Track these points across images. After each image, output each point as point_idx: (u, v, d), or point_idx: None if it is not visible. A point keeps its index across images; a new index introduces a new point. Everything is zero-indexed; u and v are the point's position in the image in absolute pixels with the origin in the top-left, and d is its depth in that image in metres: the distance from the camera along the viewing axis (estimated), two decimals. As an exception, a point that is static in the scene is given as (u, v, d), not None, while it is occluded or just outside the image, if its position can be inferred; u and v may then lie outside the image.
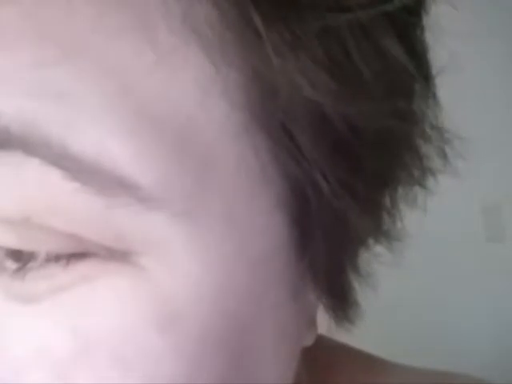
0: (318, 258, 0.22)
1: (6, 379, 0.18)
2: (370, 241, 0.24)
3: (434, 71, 0.23)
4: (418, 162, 0.23)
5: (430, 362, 0.34)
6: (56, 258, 0.19)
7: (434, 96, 0.24)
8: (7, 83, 0.18)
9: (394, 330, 1.60)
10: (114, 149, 0.18)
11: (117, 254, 0.19)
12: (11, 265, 0.19)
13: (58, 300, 0.19)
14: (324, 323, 0.26)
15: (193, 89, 0.19)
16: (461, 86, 1.68)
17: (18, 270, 0.19)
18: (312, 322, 0.24)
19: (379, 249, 0.25)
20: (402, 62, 0.20)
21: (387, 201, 0.24)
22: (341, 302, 0.24)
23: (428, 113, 0.23)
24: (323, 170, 0.20)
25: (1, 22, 0.18)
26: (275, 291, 0.21)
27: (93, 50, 0.19)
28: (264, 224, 0.21)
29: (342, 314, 0.24)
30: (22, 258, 0.19)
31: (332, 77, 0.19)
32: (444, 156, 0.24)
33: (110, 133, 0.18)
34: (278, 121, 0.20)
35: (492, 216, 1.67)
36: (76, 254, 0.19)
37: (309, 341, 0.24)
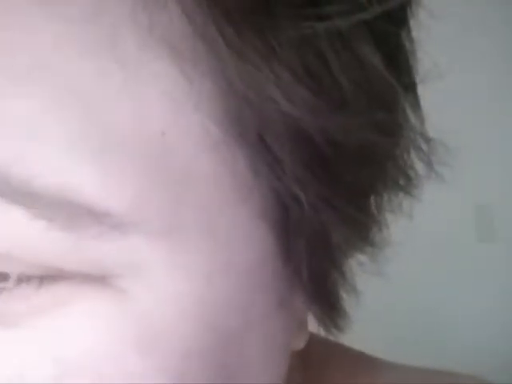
0: (302, 266, 0.21)
1: None
2: (355, 250, 0.23)
3: (419, 77, 0.23)
4: (402, 171, 0.23)
5: (420, 360, 0.35)
6: (28, 280, 0.18)
7: (417, 105, 0.23)
8: None
9: (383, 330, 1.60)
10: (78, 179, 0.18)
11: (93, 278, 0.18)
12: None
13: (35, 324, 0.18)
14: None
15: (164, 104, 0.18)
16: (454, 87, 1.68)
17: None
18: (302, 326, 0.24)
19: (363, 258, 0.25)
20: (382, 73, 0.20)
21: (371, 209, 0.23)
22: (328, 310, 0.23)
23: (411, 122, 0.22)
24: (302, 184, 0.20)
25: None
26: (262, 301, 0.21)
27: (53, 73, 0.18)
28: (247, 236, 0.20)
29: (330, 321, 0.24)
30: None
31: (309, 89, 0.19)
32: (429, 163, 0.23)
33: (72, 162, 0.17)
34: (255, 134, 0.19)
35: (483, 216, 1.67)
36: (48, 276, 0.18)
37: (300, 344, 0.24)
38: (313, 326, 0.28)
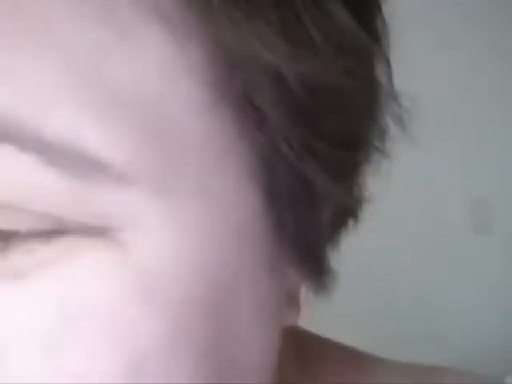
0: (289, 224, 0.22)
1: None
2: (339, 208, 0.24)
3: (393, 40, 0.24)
4: (376, 126, 0.24)
5: (417, 354, 0.35)
6: (36, 235, 0.19)
7: (388, 61, 0.24)
8: None
9: (378, 324, 1.61)
10: (85, 131, 0.19)
11: (96, 231, 0.20)
12: None
13: (42, 276, 0.19)
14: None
15: (156, 67, 0.20)
16: (452, 78, 1.67)
17: (0, 248, 0.19)
18: (293, 300, 0.24)
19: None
20: (347, 25, 0.22)
21: (352, 164, 0.24)
22: (316, 268, 0.24)
23: (383, 79, 0.24)
24: (286, 134, 0.21)
25: None
26: (252, 261, 0.22)
27: (57, 37, 0.19)
28: (236, 196, 0.21)
29: (319, 281, 0.24)
30: (2, 237, 0.19)
31: (285, 39, 0.20)
32: (401, 122, 0.24)
33: (79, 116, 0.19)
34: (241, 91, 0.21)
35: (480, 209, 1.67)
36: (56, 230, 0.19)
37: (291, 319, 0.25)
38: (306, 324, 0.28)
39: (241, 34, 0.20)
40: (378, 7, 0.24)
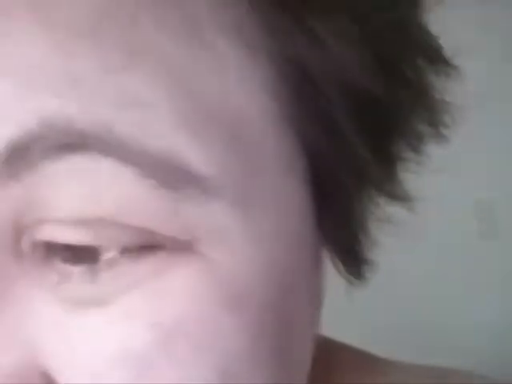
0: (332, 222, 0.24)
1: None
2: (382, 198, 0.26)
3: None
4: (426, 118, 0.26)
5: (421, 359, 0.34)
6: (127, 252, 0.20)
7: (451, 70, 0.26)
8: (78, 87, 0.19)
9: (385, 327, 1.61)
10: (181, 145, 0.20)
11: (184, 245, 0.20)
12: (76, 269, 0.19)
13: (131, 297, 0.20)
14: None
15: (237, 79, 0.21)
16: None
17: (85, 272, 0.19)
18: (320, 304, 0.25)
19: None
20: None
21: (396, 156, 0.25)
22: (354, 257, 0.26)
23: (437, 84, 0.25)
24: (355, 143, 0.23)
25: (61, 25, 0.19)
26: (307, 261, 0.23)
27: (156, 51, 0.20)
28: (296, 202, 0.23)
29: (356, 269, 0.26)
30: (88, 260, 0.20)
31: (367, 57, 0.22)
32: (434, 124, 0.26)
33: (176, 130, 0.20)
34: (311, 105, 0.22)
35: (484, 212, 1.67)
36: (145, 247, 0.20)
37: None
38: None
39: (322, 52, 0.21)
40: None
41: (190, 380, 0.20)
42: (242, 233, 0.21)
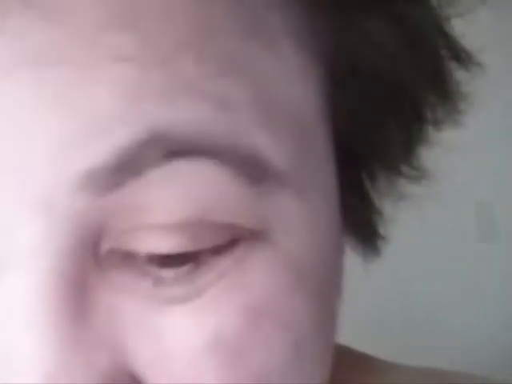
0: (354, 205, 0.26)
1: (181, 379, 0.20)
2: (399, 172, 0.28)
3: None
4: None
5: (421, 361, 0.34)
6: (218, 248, 0.20)
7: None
8: (183, 95, 0.20)
9: (384, 329, 1.60)
10: (263, 142, 0.21)
11: (258, 235, 0.21)
12: (169, 272, 0.20)
13: (217, 289, 0.20)
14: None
15: (298, 75, 0.22)
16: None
17: (178, 274, 0.20)
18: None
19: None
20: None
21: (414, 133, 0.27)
22: (372, 231, 0.28)
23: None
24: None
25: (164, 39, 0.20)
26: (339, 240, 0.25)
27: (240, 57, 0.21)
28: (334, 185, 0.24)
29: (372, 244, 0.28)
30: (182, 262, 0.20)
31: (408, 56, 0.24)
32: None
33: (259, 129, 0.21)
34: (349, 104, 0.24)
35: (484, 216, 1.67)
36: (231, 241, 0.21)
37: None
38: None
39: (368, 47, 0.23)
40: None
41: (271, 359, 0.21)
42: (303, 219, 0.22)
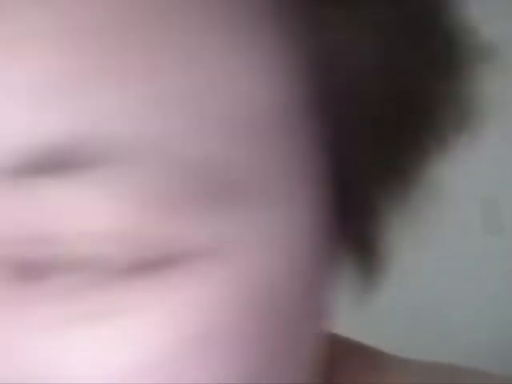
0: (351, 221, 0.23)
1: None
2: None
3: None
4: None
5: (427, 354, 0.34)
6: (149, 264, 0.19)
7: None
8: (90, 102, 0.18)
9: (388, 324, 1.60)
10: (216, 150, 0.19)
11: (211, 252, 0.19)
12: (84, 282, 0.19)
13: (153, 310, 0.19)
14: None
15: (264, 69, 0.20)
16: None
17: (97, 285, 0.19)
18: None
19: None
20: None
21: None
22: (371, 253, 0.25)
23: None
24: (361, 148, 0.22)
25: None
26: (322, 254, 0.23)
27: (203, 62, 0.19)
28: (314, 201, 0.22)
29: (372, 267, 0.25)
30: (103, 271, 0.19)
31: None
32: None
33: (210, 136, 0.19)
34: (331, 101, 0.21)
35: (490, 209, 1.67)
36: (168, 257, 0.19)
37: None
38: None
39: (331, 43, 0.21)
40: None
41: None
42: (263, 235, 0.20)
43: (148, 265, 0.19)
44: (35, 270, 0.19)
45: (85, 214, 0.18)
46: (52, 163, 0.18)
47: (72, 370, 0.18)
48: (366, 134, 0.22)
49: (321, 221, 0.22)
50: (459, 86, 0.24)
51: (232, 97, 0.19)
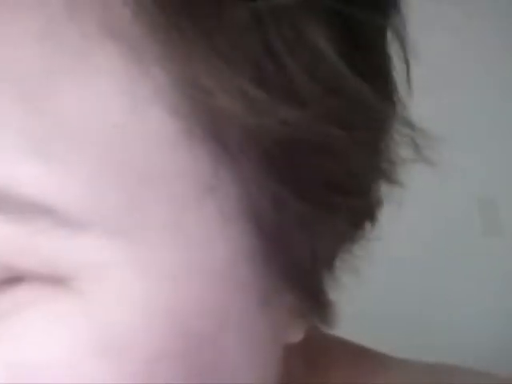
0: (283, 258, 0.21)
1: None
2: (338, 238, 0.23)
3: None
4: (381, 160, 0.22)
5: (425, 355, 0.34)
6: None
7: (387, 93, 0.22)
8: None
9: (388, 323, 1.60)
10: (23, 172, 0.17)
11: (50, 280, 0.18)
12: None
13: None
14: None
15: (118, 96, 0.18)
16: (453, 76, 1.67)
17: None
18: (298, 318, 0.23)
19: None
20: (332, 60, 0.19)
21: (350, 199, 0.22)
22: (317, 304, 0.23)
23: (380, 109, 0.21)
24: (259, 184, 0.19)
25: None
26: (239, 301, 0.20)
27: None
28: (214, 235, 0.19)
29: (321, 316, 0.23)
30: None
31: (248, 79, 0.18)
32: (415, 146, 0.22)
33: (17, 154, 0.17)
34: (210, 131, 0.19)
35: (488, 210, 1.67)
36: (9, 279, 0.18)
37: (295, 337, 0.23)
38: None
39: (195, 71, 0.18)
40: (380, 36, 0.21)
41: None
42: (126, 270, 0.18)
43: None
44: None
45: None
46: None
47: None
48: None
49: (239, 259, 0.20)
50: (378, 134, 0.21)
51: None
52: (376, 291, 1.59)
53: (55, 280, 0.18)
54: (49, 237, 0.18)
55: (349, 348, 0.31)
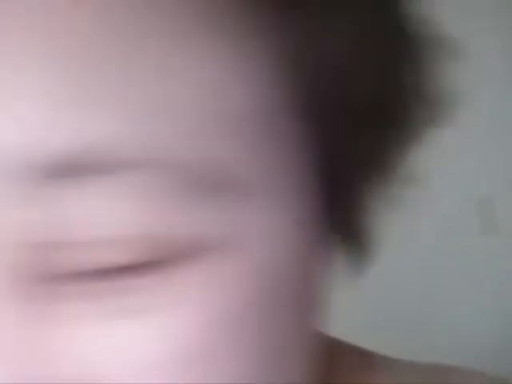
0: (339, 205, 0.25)
1: None
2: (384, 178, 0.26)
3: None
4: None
5: (421, 356, 0.34)
6: (175, 262, 0.20)
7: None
8: (106, 108, 0.19)
9: (387, 323, 1.60)
10: (215, 151, 0.20)
11: (224, 247, 0.20)
12: (128, 285, 0.20)
13: (183, 300, 0.20)
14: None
15: (257, 78, 0.21)
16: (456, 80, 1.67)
17: (142, 286, 0.19)
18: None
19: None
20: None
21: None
22: (359, 239, 0.26)
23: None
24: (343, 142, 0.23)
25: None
26: (314, 245, 0.24)
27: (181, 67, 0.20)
28: (307, 192, 0.23)
29: (359, 251, 0.26)
30: (139, 274, 0.19)
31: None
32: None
33: (208, 137, 0.20)
34: (307, 95, 0.22)
35: (485, 209, 1.67)
36: (190, 253, 0.20)
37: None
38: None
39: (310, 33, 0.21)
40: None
41: (238, 371, 0.20)
42: (270, 227, 0.21)
43: (162, 264, 0.19)
44: (57, 272, 0.19)
45: (101, 219, 0.19)
46: (67, 171, 0.18)
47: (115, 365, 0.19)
48: (347, 127, 0.23)
49: (311, 211, 0.23)
50: (427, 79, 0.25)
51: (218, 100, 0.20)
52: (375, 291, 1.59)
53: (227, 246, 0.20)
54: (232, 206, 0.20)
55: (351, 349, 0.31)
